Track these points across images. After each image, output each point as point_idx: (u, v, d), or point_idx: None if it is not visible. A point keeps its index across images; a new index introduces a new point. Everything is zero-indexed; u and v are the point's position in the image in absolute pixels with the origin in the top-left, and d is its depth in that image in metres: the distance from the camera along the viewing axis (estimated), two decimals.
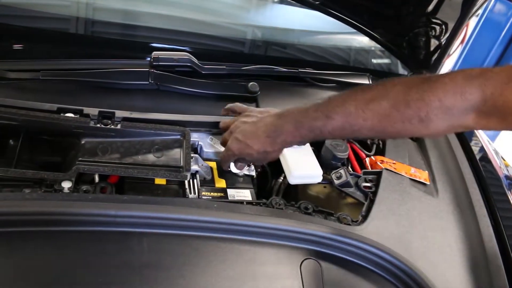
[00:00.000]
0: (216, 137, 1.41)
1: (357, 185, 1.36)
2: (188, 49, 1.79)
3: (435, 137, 1.35)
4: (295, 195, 1.43)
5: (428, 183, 1.44)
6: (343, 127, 1.07)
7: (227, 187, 1.32)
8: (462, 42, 3.95)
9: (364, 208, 1.29)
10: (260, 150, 1.20)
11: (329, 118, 1.08)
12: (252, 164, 1.37)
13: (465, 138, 1.65)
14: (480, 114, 0.95)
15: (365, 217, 1.24)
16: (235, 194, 1.31)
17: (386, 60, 2.21)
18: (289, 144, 1.19)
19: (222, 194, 1.29)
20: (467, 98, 0.94)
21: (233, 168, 1.32)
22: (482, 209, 1.39)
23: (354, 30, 1.89)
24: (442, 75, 1.00)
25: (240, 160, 1.29)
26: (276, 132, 1.17)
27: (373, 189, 1.34)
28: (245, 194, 1.31)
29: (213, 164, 1.38)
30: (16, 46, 1.65)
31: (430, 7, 1.65)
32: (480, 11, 1.69)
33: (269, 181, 1.46)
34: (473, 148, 1.63)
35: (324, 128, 1.09)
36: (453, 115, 0.96)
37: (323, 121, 1.09)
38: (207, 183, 1.32)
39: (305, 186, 1.44)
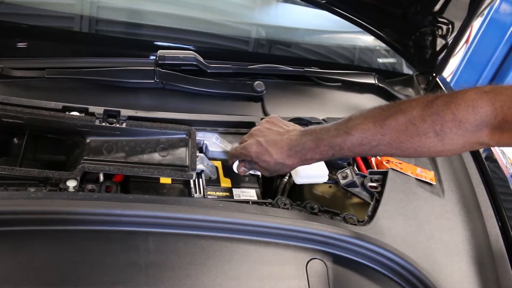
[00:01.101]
0: (222, 136, 1.41)
1: (363, 185, 1.35)
2: (192, 48, 1.79)
3: (452, 154, 1.36)
4: (301, 195, 1.43)
5: (434, 183, 1.43)
6: (362, 143, 1.09)
7: (233, 187, 1.32)
8: (466, 41, 3.94)
9: (370, 208, 1.28)
10: (278, 160, 1.19)
11: (348, 134, 1.10)
12: (259, 172, 1.35)
13: None
14: (493, 130, 0.97)
15: (371, 217, 1.24)
16: (240, 193, 1.31)
17: (391, 60, 2.20)
18: (308, 161, 1.19)
19: (227, 194, 1.30)
20: (478, 112, 0.96)
21: (234, 167, 1.32)
22: (488, 209, 1.38)
23: (360, 29, 1.89)
24: (455, 91, 1.03)
25: (248, 163, 1.28)
26: (298, 147, 1.17)
27: (379, 189, 1.33)
28: (251, 194, 1.31)
29: (218, 164, 1.38)
30: (21, 44, 1.66)
31: (437, 6, 1.64)
32: (486, 11, 1.68)
33: (274, 180, 1.46)
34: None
35: (343, 144, 1.11)
36: (466, 130, 0.99)
37: (342, 137, 1.11)
38: (213, 182, 1.32)
39: (311, 186, 1.43)
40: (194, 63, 1.59)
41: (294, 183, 1.38)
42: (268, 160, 1.20)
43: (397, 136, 1.05)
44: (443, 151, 1.05)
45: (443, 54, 1.74)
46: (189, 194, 1.25)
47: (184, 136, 1.34)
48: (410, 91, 1.90)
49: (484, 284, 1.18)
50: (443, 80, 1.91)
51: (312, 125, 1.24)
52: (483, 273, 1.20)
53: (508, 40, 3.98)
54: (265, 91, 1.60)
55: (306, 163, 1.21)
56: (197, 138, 1.35)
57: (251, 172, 1.36)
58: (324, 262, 1.10)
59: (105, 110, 1.30)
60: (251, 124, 1.42)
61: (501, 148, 1.76)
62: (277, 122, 1.29)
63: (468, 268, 1.21)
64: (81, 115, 1.29)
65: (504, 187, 1.51)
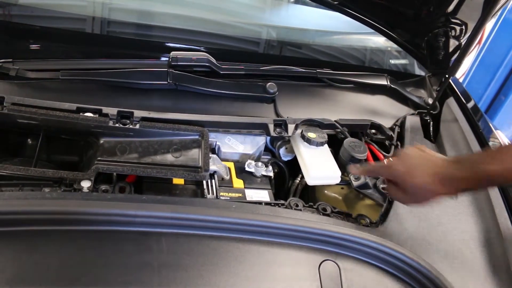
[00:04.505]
0: (234, 137, 1.41)
1: (375, 187, 1.35)
2: (204, 49, 1.79)
3: None
4: (313, 196, 1.43)
5: None
6: None
7: (245, 188, 1.33)
8: (479, 42, 3.91)
9: (382, 210, 1.28)
10: (422, 184, 1.10)
11: (506, 162, 1.04)
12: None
13: (484, 138, 1.63)
14: None
15: (383, 219, 1.24)
16: (253, 194, 1.31)
17: (403, 61, 2.19)
18: (460, 191, 1.11)
19: (240, 195, 1.30)
20: None
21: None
22: (502, 211, 1.36)
23: (371, 30, 1.88)
24: None
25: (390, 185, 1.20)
26: (446, 174, 1.09)
27: None
28: (263, 195, 1.31)
29: (231, 165, 1.38)
30: (35, 46, 1.67)
31: (451, 7, 1.63)
32: (499, 12, 1.66)
33: (286, 181, 1.46)
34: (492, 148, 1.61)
35: (503, 172, 1.04)
36: None
37: (500, 166, 1.04)
38: (225, 183, 1.32)
39: (323, 187, 1.43)
40: (207, 64, 1.59)
41: (306, 184, 1.38)
42: (410, 182, 1.11)
43: None
44: None
45: (456, 55, 1.73)
46: (202, 195, 1.25)
47: (197, 137, 1.35)
48: (422, 93, 1.90)
49: (498, 287, 1.17)
50: (456, 81, 1.90)
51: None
52: (497, 276, 1.19)
53: None
54: (277, 93, 1.60)
55: (455, 193, 1.11)
56: (209, 139, 1.36)
57: (263, 173, 1.37)
58: (337, 264, 1.09)
59: (118, 111, 1.31)
60: (263, 126, 1.42)
61: None
62: (424, 149, 1.19)
63: (481, 271, 1.20)
64: (95, 116, 1.30)
65: None
